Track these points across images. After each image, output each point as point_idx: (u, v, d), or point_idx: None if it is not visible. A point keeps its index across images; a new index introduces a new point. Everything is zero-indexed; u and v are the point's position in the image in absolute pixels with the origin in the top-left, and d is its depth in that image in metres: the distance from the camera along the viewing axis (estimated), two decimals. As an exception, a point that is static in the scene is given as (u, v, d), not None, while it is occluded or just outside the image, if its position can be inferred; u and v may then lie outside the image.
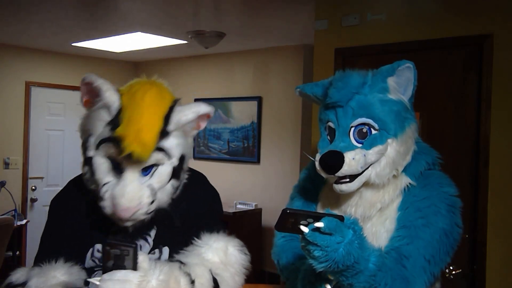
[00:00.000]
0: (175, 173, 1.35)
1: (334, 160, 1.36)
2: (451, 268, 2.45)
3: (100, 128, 1.28)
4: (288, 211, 1.17)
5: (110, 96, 1.28)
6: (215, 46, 4.79)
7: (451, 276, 2.42)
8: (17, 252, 5.01)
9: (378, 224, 1.42)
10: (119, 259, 1.20)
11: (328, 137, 1.48)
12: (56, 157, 5.98)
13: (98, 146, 1.28)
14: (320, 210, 1.58)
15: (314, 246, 1.15)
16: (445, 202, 1.40)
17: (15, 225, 4.53)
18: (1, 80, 5.58)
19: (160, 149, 1.29)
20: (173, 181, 1.35)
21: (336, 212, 1.49)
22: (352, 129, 1.42)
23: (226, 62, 5.86)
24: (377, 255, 1.24)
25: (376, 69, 1.46)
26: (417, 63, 1.47)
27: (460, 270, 2.46)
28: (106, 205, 1.27)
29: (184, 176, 1.42)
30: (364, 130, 1.41)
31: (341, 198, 1.48)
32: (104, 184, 1.28)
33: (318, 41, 3.27)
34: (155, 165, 1.31)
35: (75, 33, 4.86)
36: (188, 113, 1.33)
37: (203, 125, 1.42)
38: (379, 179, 1.40)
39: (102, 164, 1.29)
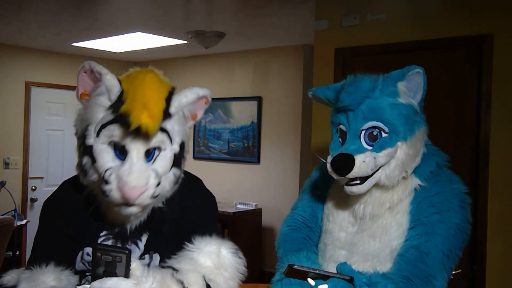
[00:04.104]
0: (176, 160, 1.33)
1: (344, 163, 1.40)
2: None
3: (100, 115, 1.26)
4: (295, 267, 1.19)
5: (111, 79, 1.27)
6: (215, 46, 4.78)
7: (451, 276, 2.42)
8: (17, 252, 5.01)
9: (389, 217, 1.46)
10: (110, 266, 1.15)
11: (340, 140, 1.52)
12: (56, 157, 5.98)
13: (98, 133, 1.25)
14: (329, 208, 1.60)
15: None
16: (456, 197, 1.45)
17: (15, 225, 4.52)
18: (1, 80, 5.58)
19: (163, 130, 1.27)
20: (174, 170, 1.33)
21: (345, 211, 1.53)
22: (363, 132, 1.45)
23: (226, 62, 5.85)
24: None
25: (386, 74, 1.49)
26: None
27: (460, 270, 2.45)
28: (112, 187, 1.22)
29: (184, 165, 1.40)
30: (375, 133, 1.44)
31: (350, 196, 1.51)
32: (107, 169, 1.24)
33: (318, 41, 3.27)
34: (158, 149, 1.29)
35: (75, 33, 4.86)
36: (188, 94, 1.33)
37: (200, 114, 1.41)
38: (388, 181, 1.44)
39: (104, 150, 1.26)
